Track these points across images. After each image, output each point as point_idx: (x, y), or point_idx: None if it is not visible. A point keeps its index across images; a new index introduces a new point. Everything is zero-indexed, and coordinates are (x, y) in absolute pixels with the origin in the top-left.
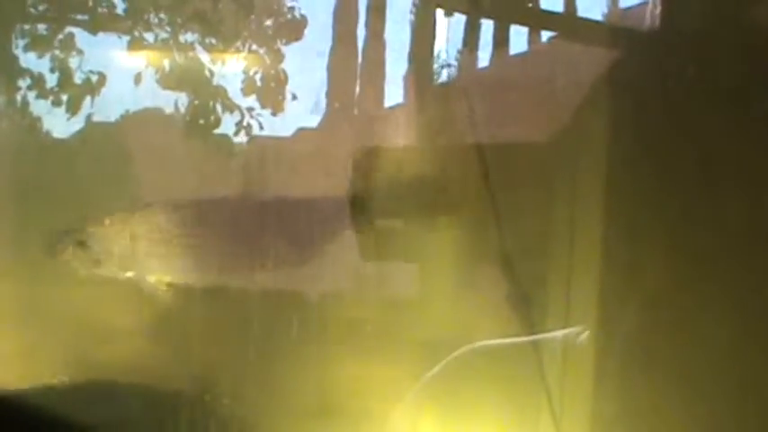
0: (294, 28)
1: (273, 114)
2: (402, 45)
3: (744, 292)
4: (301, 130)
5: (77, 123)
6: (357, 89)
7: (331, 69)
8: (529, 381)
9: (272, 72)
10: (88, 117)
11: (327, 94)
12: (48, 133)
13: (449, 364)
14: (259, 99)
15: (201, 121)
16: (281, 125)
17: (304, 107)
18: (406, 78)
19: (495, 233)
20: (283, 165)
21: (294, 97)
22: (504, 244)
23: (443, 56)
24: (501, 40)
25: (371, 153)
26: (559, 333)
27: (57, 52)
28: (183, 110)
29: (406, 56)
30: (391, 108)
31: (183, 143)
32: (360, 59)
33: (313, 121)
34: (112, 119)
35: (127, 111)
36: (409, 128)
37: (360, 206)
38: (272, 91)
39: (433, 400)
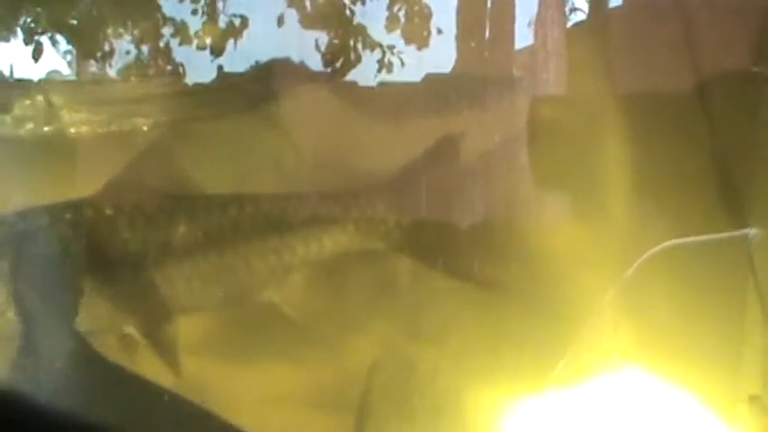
0: None
1: (418, 49)
2: None
3: None
4: (430, 75)
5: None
6: (487, 32)
7: (460, 12)
8: (722, 278)
9: (416, 8)
10: (231, 61)
11: (457, 38)
12: (191, 79)
13: (643, 264)
14: (403, 35)
15: (340, 62)
16: (416, 69)
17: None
18: (535, 20)
19: (705, 132)
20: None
21: (439, 32)
22: (715, 141)
23: None
24: None
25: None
26: (750, 231)
27: None
28: (323, 50)
29: None
30: (521, 50)
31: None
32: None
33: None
34: (254, 61)
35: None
36: (540, 71)
37: None
38: (415, 27)
39: (629, 298)
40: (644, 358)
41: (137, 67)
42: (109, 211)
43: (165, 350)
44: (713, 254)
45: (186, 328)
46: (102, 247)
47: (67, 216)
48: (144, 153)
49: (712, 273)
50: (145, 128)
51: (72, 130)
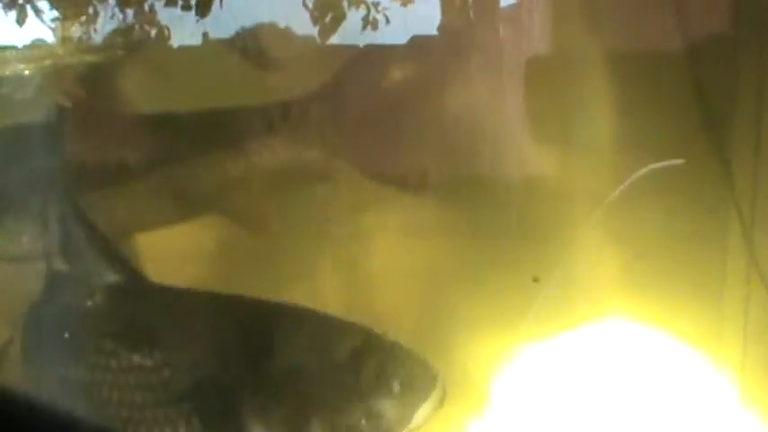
0: None
1: (404, 5)
2: None
3: None
4: (416, 37)
5: (206, 28)
6: None
7: None
8: (707, 197)
9: None
10: (216, 20)
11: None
12: (176, 41)
13: (632, 184)
14: None
15: (329, 18)
16: (402, 27)
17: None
18: None
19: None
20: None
21: None
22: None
23: None
24: None
25: None
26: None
27: None
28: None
29: None
30: (506, 7)
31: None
32: None
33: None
34: (240, 22)
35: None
36: (525, 28)
37: None
38: None
39: (617, 216)
40: (628, 281)
41: (122, 32)
42: (70, 131)
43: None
44: (696, 180)
45: (175, 265)
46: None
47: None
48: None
49: (696, 195)
50: (27, 72)
51: None
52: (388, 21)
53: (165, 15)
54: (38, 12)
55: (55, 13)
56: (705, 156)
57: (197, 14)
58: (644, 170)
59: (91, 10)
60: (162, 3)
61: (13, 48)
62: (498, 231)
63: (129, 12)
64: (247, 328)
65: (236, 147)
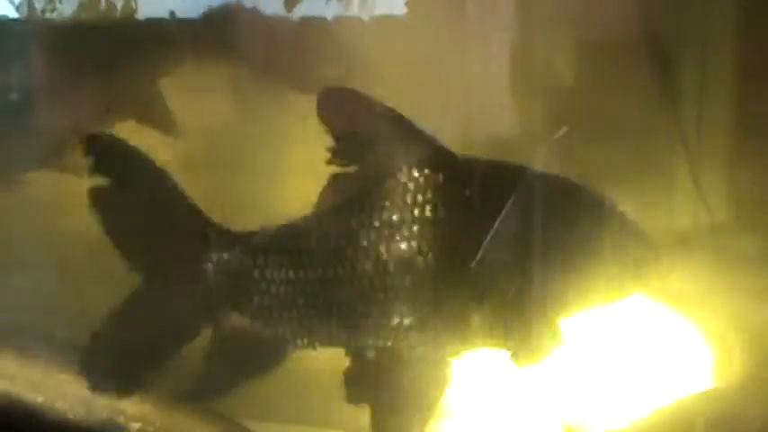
0: None
1: None
2: None
3: None
4: (385, 16)
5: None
6: None
7: None
8: (654, 131)
9: None
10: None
11: None
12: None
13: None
14: None
15: None
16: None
17: None
18: None
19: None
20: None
21: None
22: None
23: None
24: None
25: None
26: None
27: None
28: None
29: None
30: None
31: None
32: None
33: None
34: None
35: None
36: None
37: None
38: None
39: (563, 157)
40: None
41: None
42: None
43: None
44: (643, 115)
45: None
46: None
47: None
48: None
49: (643, 131)
50: None
51: None
52: None
53: None
54: None
55: None
56: (651, 90)
57: None
58: (561, 131)
59: None
60: None
61: None
62: None
63: None
64: (541, 198)
65: (160, 55)
